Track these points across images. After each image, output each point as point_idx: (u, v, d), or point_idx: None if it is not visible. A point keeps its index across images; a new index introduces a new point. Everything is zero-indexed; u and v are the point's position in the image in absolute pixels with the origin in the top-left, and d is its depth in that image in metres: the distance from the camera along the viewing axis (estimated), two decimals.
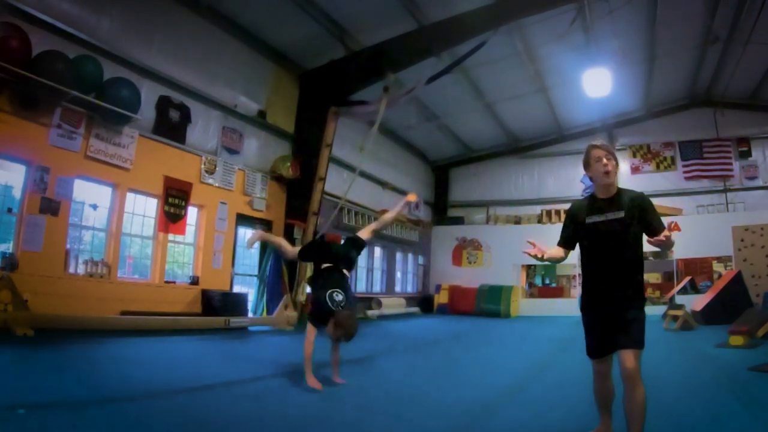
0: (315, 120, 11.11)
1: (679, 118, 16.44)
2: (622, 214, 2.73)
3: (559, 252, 2.97)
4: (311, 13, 9.85)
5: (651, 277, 17.23)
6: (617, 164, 2.82)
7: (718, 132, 15.84)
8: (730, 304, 10.68)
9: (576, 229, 2.91)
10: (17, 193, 6.80)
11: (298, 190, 11.13)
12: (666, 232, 2.64)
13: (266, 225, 10.96)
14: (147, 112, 8.31)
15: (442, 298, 17.02)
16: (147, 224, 8.66)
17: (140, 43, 8.27)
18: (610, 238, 2.74)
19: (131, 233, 8.48)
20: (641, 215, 2.73)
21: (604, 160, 2.76)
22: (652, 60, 13.22)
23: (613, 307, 2.70)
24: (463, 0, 9.52)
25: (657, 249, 2.84)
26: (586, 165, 2.87)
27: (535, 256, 2.88)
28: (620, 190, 2.83)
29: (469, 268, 17.81)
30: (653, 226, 2.72)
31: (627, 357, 2.56)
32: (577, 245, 2.98)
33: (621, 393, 2.62)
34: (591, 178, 2.88)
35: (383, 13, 10.12)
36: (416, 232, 17.33)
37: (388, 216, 5.21)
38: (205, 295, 8.92)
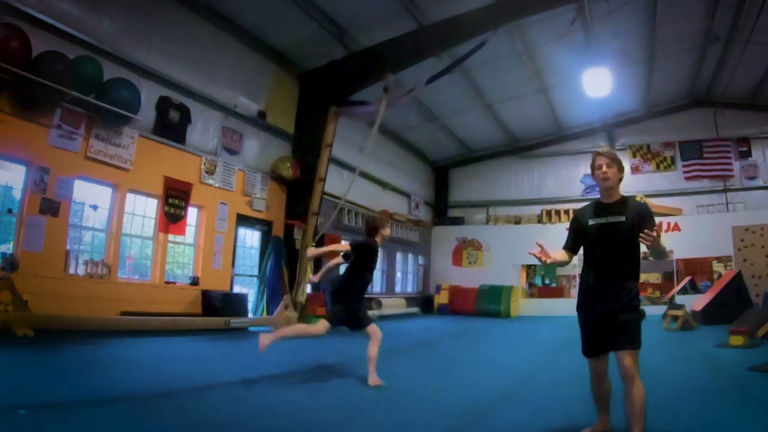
0: (315, 120, 11.10)
1: (679, 118, 16.45)
2: (623, 218, 2.85)
3: (563, 256, 3.06)
4: (311, 14, 9.85)
5: (651, 277, 17.26)
6: (621, 170, 2.96)
7: (718, 132, 15.85)
8: (730, 304, 10.68)
9: (580, 232, 3.02)
10: (17, 194, 6.81)
11: (298, 190, 11.13)
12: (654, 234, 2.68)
13: (266, 225, 10.97)
14: (147, 113, 8.31)
15: (442, 298, 17.02)
16: (147, 225, 8.66)
17: (140, 44, 8.28)
18: (609, 241, 2.85)
19: (131, 234, 8.48)
20: (639, 222, 2.80)
21: (604, 168, 2.93)
22: (652, 60, 13.22)
23: (608, 308, 2.77)
24: (463, 0, 9.53)
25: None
26: (591, 170, 3.05)
27: (539, 259, 2.94)
28: (625, 198, 2.96)
29: (469, 268, 17.81)
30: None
31: (624, 357, 2.64)
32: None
33: (621, 392, 2.65)
34: (595, 181, 3.04)
35: (383, 13, 10.12)
36: (416, 233, 17.33)
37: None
38: (206, 296, 8.92)
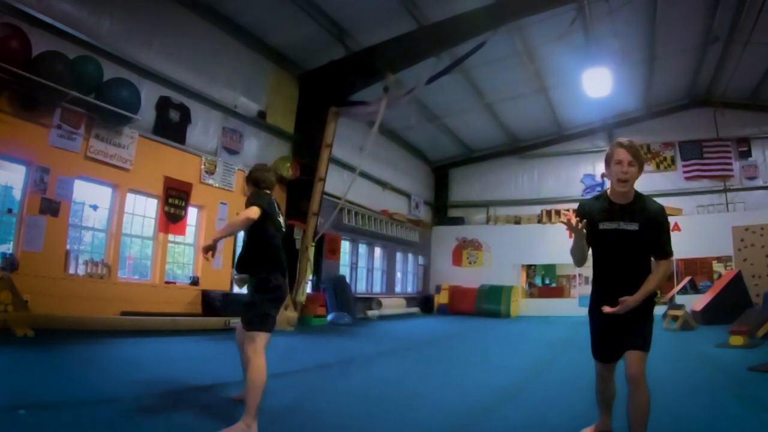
0: (315, 120, 11.10)
1: (679, 118, 16.44)
2: (635, 226, 2.61)
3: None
4: (311, 14, 9.85)
5: None
6: (641, 168, 2.62)
7: (718, 132, 15.84)
8: (730, 304, 10.68)
9: (589, 226, 2.72)
10: (17, 194, 6.80)
11: (298, 190, 11.12)
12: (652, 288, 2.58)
13: None
14: (147, 113, 8.31)
15: (442, 298, 17.02)
16: (147, 225, 8.66)
17: (140, 44, 8.27)
18: (621, 248, 2.66)
19: (131, 234, 8.48)
20: (654, 233, 2.63)
21: (625, 166, 2.57)
22: (652, 60, 13.22)
23: (621, 315, 2.62)
24: (463, 0, 9.53)
25: None
26: (607, 162, 2.68)
27: (571, 224, 2.59)
28: (639, 198, 2.68)
29: (469, 268, 17.81)
30: (661, 250, 2.66)
31: (633, 359, 2.55)
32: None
33: (624, 395, 2.62)
34: (607, 176, 2.74)
35: (383, 13, 10.12)
36: (416, 233, 17.34)
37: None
38: (206, 296, 8.92)
